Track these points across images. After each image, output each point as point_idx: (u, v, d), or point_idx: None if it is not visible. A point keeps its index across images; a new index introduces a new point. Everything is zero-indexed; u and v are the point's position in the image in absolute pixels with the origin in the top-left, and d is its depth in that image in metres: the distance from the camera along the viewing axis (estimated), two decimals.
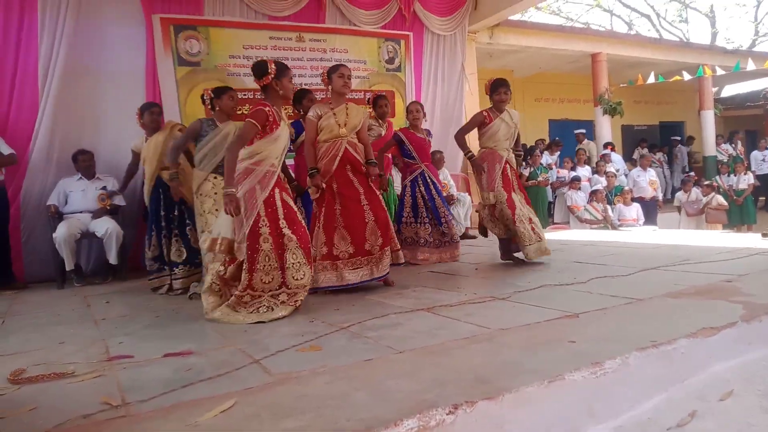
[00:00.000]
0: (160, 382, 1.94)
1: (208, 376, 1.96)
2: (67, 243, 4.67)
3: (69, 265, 4.72)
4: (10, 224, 4.98)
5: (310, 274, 3.12)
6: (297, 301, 3.04)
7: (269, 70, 3.15)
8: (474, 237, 6.91)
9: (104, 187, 5.13)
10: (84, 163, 5.06)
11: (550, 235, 6.96)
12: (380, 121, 5.01)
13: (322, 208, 3.65)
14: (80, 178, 5.08)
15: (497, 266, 4.38)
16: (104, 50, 5.49)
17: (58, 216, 4.90)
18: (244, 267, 3.03)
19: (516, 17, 9.85)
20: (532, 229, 4.24)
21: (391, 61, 7.15)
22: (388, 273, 3.71)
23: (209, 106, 4.03)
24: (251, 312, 2.94)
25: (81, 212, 4.95)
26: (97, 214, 4.95)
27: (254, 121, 3.06)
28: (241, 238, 3.05)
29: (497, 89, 4.32)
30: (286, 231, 3.07)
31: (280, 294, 3.01)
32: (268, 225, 3.04)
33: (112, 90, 5.49)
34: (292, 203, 3.23)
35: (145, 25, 5.62)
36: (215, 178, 3.86)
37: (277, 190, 3.13)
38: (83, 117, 5.39)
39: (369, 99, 5.28)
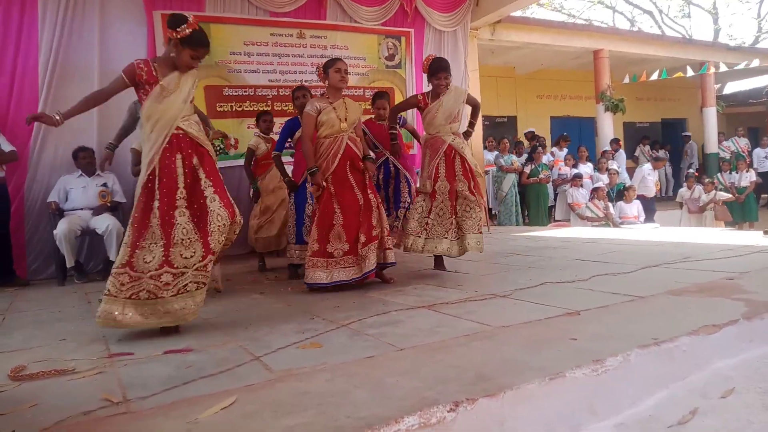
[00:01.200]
0: (160, 379, 1.94)
1: (209, 373, 1.96)
2: (68, 240, 4.68)
3: (70, 262, 4.73)
4: (14, 222, 4.99)
5: (202, 253, 2.64)
6: (188, 287, 2.61)
7: (180, 29, 2.69)
8: None
9: (105, 184, 5.14)
10: (84, 160, 5.07)
11: (552, 232, 6.97)
12: (379, 123, 4.97)
13: (321, 204, 3.63)
14: (81, 175, 5.09)
15: (498, 264, 4.38)
16: (105, 47, 5.50)
17: (58, 213, 4.91)
18: (125, 242, 2.64)
19: (518, 14, 9.84)
20: (456, 222, 3.95)
21: (391, 57, 7.14)
22: (374, 269, 3.62)
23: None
24: (127, 298, 2.53)
25: (81, 209, 4.96)
26: (97, 211, 4.96)
27: (122, 75, 2.76)
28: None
29: (436, 73, 3.93)
30: (181, 203, 2.66)
31: (162, 275, 2.58)
32: (159, 198, 2.64)
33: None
34: (203, 171, 2.75)
35: (146, 21, 5.62)
36: None
37: (179, 156, 2.71)
38: (84, 114, 5.37)
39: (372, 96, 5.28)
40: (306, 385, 1.76)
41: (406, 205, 4.80)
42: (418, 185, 4.44)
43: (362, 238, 3.58)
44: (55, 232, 4.72)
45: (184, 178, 2.70)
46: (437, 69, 3.94)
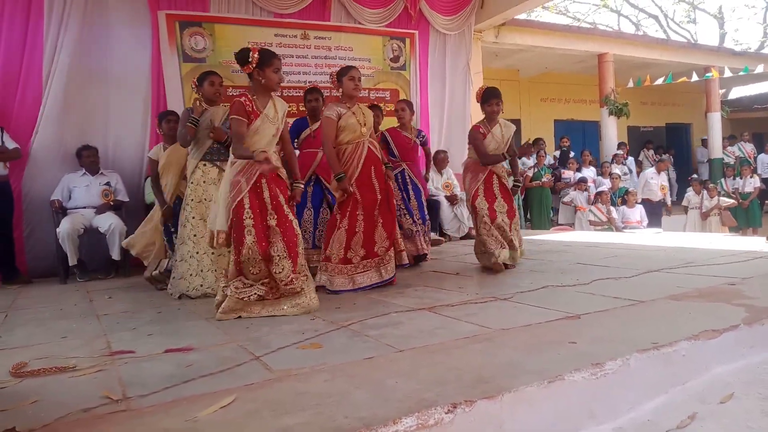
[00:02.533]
0: (161, 377, 1.95)
1: (209, 372, 1.97)
2: (71, 238, 4.70)
3: (72, 260, 4.75)
4: (14, 219, 5.00)
5: (290, 269, 3.00)
6: (295, 294, 3.01)
7: (250, 59, 3.00)
8: None
9: (108, 183, 5.16)
10: (88, 159, 5.10)
11: (554, 236, 6.97)
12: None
13: (347, 211, 3.61)
14: (84, 173, 5.11)
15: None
16: (109, 47, 5.53)
17: (61, 211, 4.93)
18: (230, 259, 3.03)
19: (522, 16, 9.85)
20: (503, 236, 4.14)
21: (395, 59, 7.15)
22: (395, 275, 3.70)
23: (197, 95, 3.95)
24: (246, 298, 2.93)
25: (84, 207, 4.99)
26: (100, 210, 4.98)
27: (237, 116, 2.99)
28: (224, 228, 3.00)
29: (488, 100, 4.16)
30: (272, 223, 3.00)
31: (269, 282, 2.99)
32: (252, 217, 2.96)
33: (117, 86, 5.53)
34: (282, 198, 3.08)
35: (150, 21, 5.64)
36: (204, 165, 3.77)
37: (264, 182, 3.01)
38: (88, 113, 5.43)
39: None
40: (305, 385, 1.77)
41: (402, 211, 4.81)
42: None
43: (385, 243, 3.65)
44: (58, 230, 4.73)
45: (270, 201, 3.02)
46: (489, 95, 4.16)
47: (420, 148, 5.19)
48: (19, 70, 5.14)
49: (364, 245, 3.61)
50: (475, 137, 4.19)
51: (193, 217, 3.72)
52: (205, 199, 3.72)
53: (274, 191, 3.04)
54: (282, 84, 6.25)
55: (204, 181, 3.76)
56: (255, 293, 2.95)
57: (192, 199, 3.75)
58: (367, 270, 3.62)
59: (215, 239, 3.05)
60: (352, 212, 3.61)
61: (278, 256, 2.97)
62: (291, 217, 3.09)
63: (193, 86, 3.99)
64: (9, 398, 1.81)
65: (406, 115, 4.89)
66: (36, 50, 5.18)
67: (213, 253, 3.68)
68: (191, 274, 3.69)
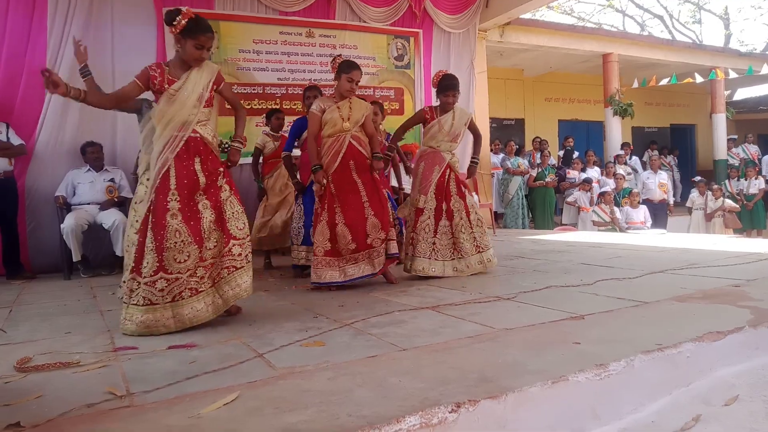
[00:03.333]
0: (164, 373, 1.95)
1: (212, 369, 1.97)
2: (75, 234, 4.71)
3: (76, 256, 4.77)
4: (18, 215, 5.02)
5: (224, 240, 2.73)
6: (221, 273, 2.71)
7: (175, 22, 2.66)
8: None
9: (112, 180, 5.17)
10: (92, 155, 5.11)
11: (557, 236, 6.95)
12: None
13: (324, 204, 3.64)
14: (88, 170, 5.12)
15: (503, 266, 4.37)
16: (114, 45, 5.55)
17: (66, 207, 4.94)
18: (149, 248, 2.62)
19: (527, 16, 9.83)
20: (453, 245, 3.96)
21: (400, 58, 7.15)
22: (384, 267, 3.69)
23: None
24: (169, 304, 2.57)
25: (89, 204, 4.99)
26: (104, 206, 4.99)
27: (135, 79, 2.73)
28: (142, 213, 2.72)
29: (445, 91, 4.00)
30: (201, 198, 2.71)
31: (197, 269, 2.65)
32: (178, 199, 2.65)
33: (121, 83, 5.49)
34: (207, 173, 2.76)
35: (155, 19, 5.64)
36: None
37: (197, 160, 2.73)
38: (92, 110, 5.37)
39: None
40: (308, 383, 1.77)
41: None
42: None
43: (381, 235, 3.62)
44: (62, 226, 4.75)
45: (204, 178, 2.73)
46: (447, 87, 4.02)
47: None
48: (23, 66, 5.15)
49: (354, 238, 3.59)
50: (417, 114, 4.20)
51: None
52: None
53: (207, 173, 2.76)
54: (287, 82, 6.37)
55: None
56: (186, 287, 2.62)
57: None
58: (359, 262, 3.61)
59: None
60: (329, 205, 3.62)
61: (210, 230, 2.70)
62: (224, 195, 2.78)
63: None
64: (13, 393, 1.81)
65: (378, 118, 4.76)
66: (39, 47, 5.19)
67: None
68: None
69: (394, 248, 3.73)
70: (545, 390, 1.63)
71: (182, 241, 2.62)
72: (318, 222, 3.64)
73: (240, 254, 2.78)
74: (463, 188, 4.10)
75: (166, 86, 2.73)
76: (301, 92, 5.70)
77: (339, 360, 2.01)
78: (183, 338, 2.47)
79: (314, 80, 6.11)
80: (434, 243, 3.94)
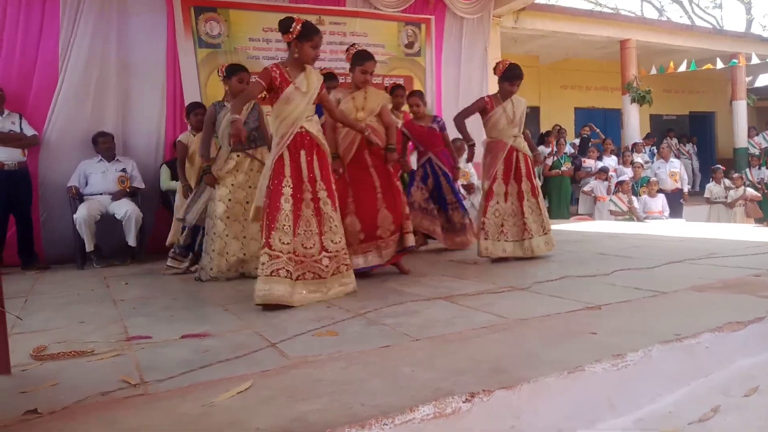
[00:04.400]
0: (177, 362, 1.96)
1: (225, 358, 1.97)
2: (87, 224, 4.75)
3: (89, 247, 4.81)
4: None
5: (319, 248, 3.00)
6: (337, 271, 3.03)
7: (291, 29, 2.99)
8: None
9: (124, 170, 5.20)
10: (104, 145, 5.14)
11: (573, 226, 6.88)
12: (395, 111, 4.93)
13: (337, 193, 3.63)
14: (100, 160, 5.16)
15: (516, 257, 4.32)
16: (124, 35, 5.54)
17: (78, 197, 4.98)
18: (263, 225, 2.93)
19: (542, 1, 9.67)
20: (523, 223, 4.05)
21: (410, 45, 7.07)
22: (393, 258, 3.66)
23: (223, 83, 4.09)
24: (270, 276, 2.78)
25: (101, 194, 5.03)
26: (116, 196, 5.03)
27: (259, 79, 3.02)
28: (261, 195, 3.01)
29: (513, 80, 4.07)
30: (307, 196, 2.98)
31: (292, 257, 2.89)
32: (291, 186, 2.93)
33: (132, 73, 5.55)
34: (318, 172, 3.06)
35: (165, 6, 5.64)
36: (238, 156, 3.89)
37: (303, 152, 3.00)
38: (104, 100, 5.46)
39: (387, 87, 5.23)
40: (321, 372, 1.76)
41: (453, 204, 4.83)
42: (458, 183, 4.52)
43: (391, 227, 3.61)
44: (75, 216, 4.79)
45: (307, 173, 2.99)
46: (516, 75, 4.08)
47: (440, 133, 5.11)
48: (36, 57, 5.18)
49: (363, 229, 3.58)
50: (476, 102, 4.22)
51: (230, 200, 3.86)
52: (239, 188, 3.90)
53: (311, 164, 3.03)
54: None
55: (237, 170, 3.90)
56: (283, 267, 2.82)
57: (229, 184, 3.88)
58: (367, 253, 3.59)
59: (261, 212, 3.02)
60: (342, 194, 3.58)
61: (309, 231, 2.97)
62: (325, 209, 3.05)
63: (220, 75, 4.10)
64: (30, 381, 1.84)
65: (421, 108, 4.88)
66: (52, 37, 5.20)
67: (245, 237, 3.87)
68: (219, 254, 3.82)
69: (410, 241, 3.72)
70: (561, 380, 1.61)
71: (289, 225, 2.88)
72: (346, 214, 3.59)
73: (327, 266, 3.01)
74: (533, 170, 4.19)
75: (284, 85, 3.00)
76: None
77: (352, 350, 2.01)
78: (196, 327, 2.48)
79: (324, 68, 6.07)
80: (502, 225, 4.04)
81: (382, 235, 3.61)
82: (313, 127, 3.08)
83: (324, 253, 3.01)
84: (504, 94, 4.14)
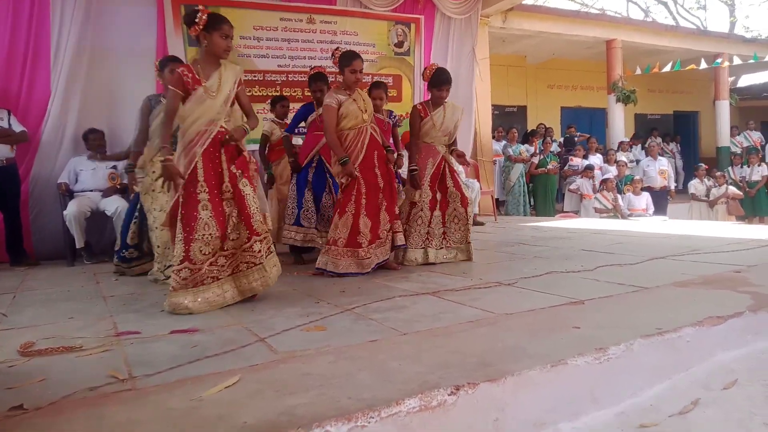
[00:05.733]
0: (166, 357, 1.96)
1: (214, 353, 1.98)
2: (78, 221, 4.73)
3: (79, 243, 4.78)
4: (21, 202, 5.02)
5: (246, 235, 2.88)
6: (240, 267, 2.86)
7: (197, 20, 2.77)
8: (482, 224, 6.90)
9: (114, 167, 5.17)
10: (94, 142, 5.11)
11: (559, 223, 6.95)
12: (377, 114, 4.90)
13: (352, 196, 3.62)
14: (90, 156, 5.11)
15: (504, 253, 4.37)
16: (116, 30, 5.50)
17: (68, 194, 4.95)
18: (178, 238, 2.76)
19: (530, 1, 9.76)
20: (443, 234, 4.01)
21: (400, 44, 7.09)
22: (388, 257, 3.76)
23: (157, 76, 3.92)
24: (191, 289, 2.70)
25: (91, 191, 5.00)
26: (107, 193, 5.00)
27: (173, 88, 2.80)
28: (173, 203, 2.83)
29: (440, 86, 3.96)
30: (227, 196, 2.85)
31: (218, 258, 2.80)
32: (207, 190, 2.77)
33: (123, 69, 5.50)
34: (247, 167, 2.96)
35: (156, 3, 5.60)
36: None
37: (223, 150, 2.85)
38: (95, 96, 5.42)
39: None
40: (309, 366, 1.78)
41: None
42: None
43: (387, 226, 3.70)
44: (65, 213, 4.76)
45: (227, 170, 2.86)
46: (443, 81, 3.98)
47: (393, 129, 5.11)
48: (27, 51, 5.12)
49: (371, 229, 3.64)
50: (413, 115, 4.08)
51: (155, 209, 3.75)
52: (161, 192, 3.64)
53: (229, 163, 2.89)
54: (287, 69, 6.34)
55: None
56: (207, 275, 2.76)
57: (155, 190, 3.72)
58: (370, 252, 3.65)
59: (166, 220, 2.90)
60: (357, 197, 3.62)
61: (233, 224, 2.85)
62: (246, 190, 2.91)
63: (156, 69, 3.96)
64: (17, 377, 1.83)
65: (383, 102, 4.75)
66: (43, 34, 5.14)
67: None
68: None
69: (400, 240, 3.79)
70: (544, 373, 1.64)
71: (210, 234, 2.76)
72: (343, 213, 3.62)
73: (260, 251, 2.89)
74: (459, 180, 4.12)
75: (196, 86, 2.82)
76: (301, 79, 5.68)
77: (340, 344, 2.02)
78: (185, 323, 2.48)
79: (315, 67, 6.07)
80: (428, 233, 3.97)
81: (381, 235, 3.69)
82: (231, 126, 2.92)
83: (255, 238, 2.88)
84: (435, 101, 4.05)
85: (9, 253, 4.90)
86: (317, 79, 4.49)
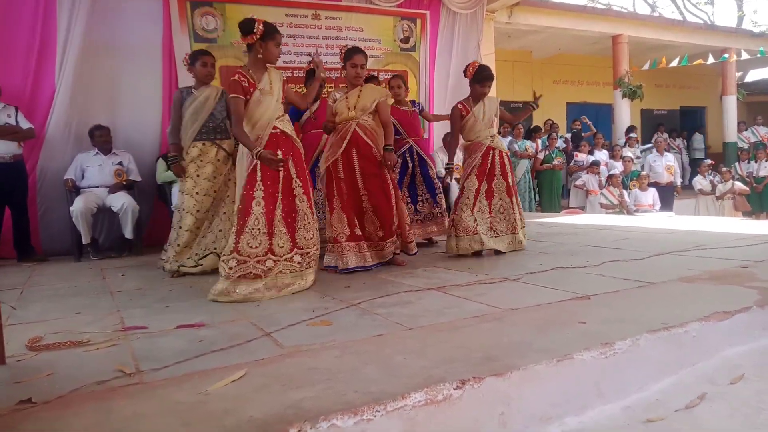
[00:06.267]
0: (173, 352, 1.97)
1: (220, 348, 1.99)
2: (84, 217, 4.75)
3: (86, 239, 4.81)
4: (28, 198, 5.05)
5: (289, 246, 3.05)
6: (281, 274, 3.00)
7: (255, 30, 3.01)
8: None
9: (120, 163, 5.19)
10: (100, 139, 5.12)
11: (564, 219, 6.93)
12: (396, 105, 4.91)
13: (334, 191, 3.65)
14: (97, 153, 5.14)
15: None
16: (122, 26, 5.49)
17: (75, 190, 4.97)
18: (232, 229, 3.00)
19: None
20: (491, 225, 4.04)
21: (406, 40, 7.07)
22: (387, 260, 3.71)
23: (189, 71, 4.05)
24: (236, 280, 2.86)
25: (97, 187, 5.02)
26: (113, 189, 5.02)
27: (235, 95, 3.02)
28: (238, 200, 3.06)
29: (483, 82, 4.05)
30: (281, 194, 3.03)
31: (266, 260, 2.94)
32: (263, 189, 2.98)
33: (129, 66, 5.51)
34: (295, 170, 3.12)
35: (162, 0, 5.61)
36: (203, 144, 3.84)
37: (279, 153, 3.02)
38: (101, 92, 5.43)
39: (384, 81, 5.23)
40: (315, 360, 1.78)
41: (423, 195, 4.83)
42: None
43: (379, 233, 3.66)
44: (71, 209, 4.78)
45: (283, 172, 3.02)
46: (486, 77, 4.07)
47: (420, 117, 5.11)
48: (30, 51, 5.12)
49: (349, 225, 3.62)
50: (454, 115, 4.14)
51: (197, 192, 3.80)
52: (206, 179, 3.82)
53: (287, 163, 3.07)
54: (292, 65, 6.33)
55: (201, 160, 3.83)
56: (251, 271, 2.89)
57: (194, 175, 3.80)
58: (352, 252, 3.61)
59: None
60: (339, 191, 3.63)
61: (281, 232, 3.02)
62: (302, 206, 3.11)
63: (185, 63, 4.06)
64: (25, 371, 1.85)
65: (402, 91, 4.85)
66: (49, 30, 5.14)
67: (220, 231, 3.83)
68: (184, 247, 3.79)
69: (411, 249, 3.86)
70: (550, 368, 1.64)
71: (258, 229, 2.93)
72: (332, 210, 3.64)
73: (300, 263, 3.05)
74: (508, 169, 4.15)
75: (251, 89, 3.04)
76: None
77: (345, 339, 2.03)
78: (191, 318, 2.50)
79: (309, 62, 6.05)
80: (475, 220, 3.97)
81: (370, 238, 3.68)
82: (287, 126, 3.15)
83: (296, 251, 3.06)
84: (476, 96, 4.12)
85: (16, 248, 4.93)
86: (311, 73, 4.55)
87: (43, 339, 2.22)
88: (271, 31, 3.06)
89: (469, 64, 4.17)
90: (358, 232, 3.61)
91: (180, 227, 3.82)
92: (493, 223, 4.06)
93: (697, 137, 13.57)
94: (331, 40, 6.45)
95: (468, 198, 4.00)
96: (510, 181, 4.13)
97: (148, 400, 1.54)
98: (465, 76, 4.17)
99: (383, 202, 3.65)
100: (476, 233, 3.92)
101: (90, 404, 1.53)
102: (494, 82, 4.16)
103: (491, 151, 4.09)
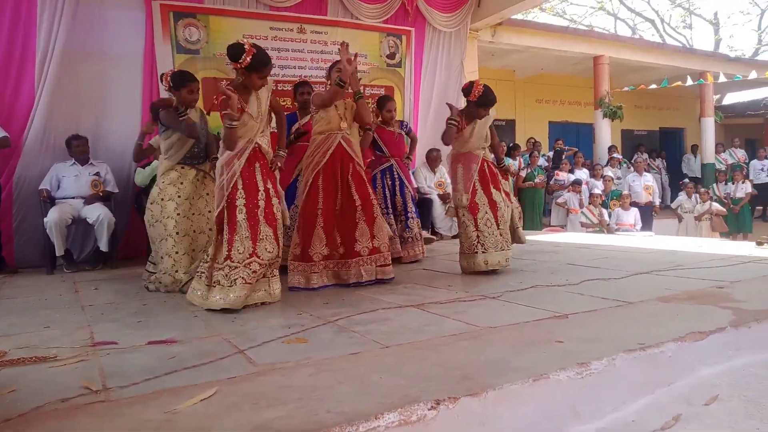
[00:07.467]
0: (142, 368, 1.92)
1: (192, 365, 1.94)
2: (58, 228, 4.64)
3: (59, 251, 4.69)
4: (1, 208, 4.94)
5: (278, 252, 3.11)
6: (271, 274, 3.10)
7: (241, 60, 2.99)
8: None
9: (97, 173, 5.11)
10: (78, 149, 5.04)
11: (545, 237, 6.97)
12: (384, 125, 4.90)
13: (306, 205, 3.59)
14: (73, 163, 5.05)
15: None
16: (103, 35, 5.45)
17: (50, 201, 4.87)
18: (224, 238, 3.02)
19: (519, 17, 9.83)
20: (500, 235, 3.94)
21: (392, 56, 7.12)
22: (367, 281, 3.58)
23: (167, 90, 3.82)
24: (228, 287, 2.89)
25: (73, 198, 4.92)
26: (89, 200, 4.93)
27: (232, 122, 3.01)
28: (219, 210, 3.07)
29: (485, 106, 3.93)
30: (261, 204, 3.07)
31: (251, 263, 2.96)
32: (245, 197, 3.02)
33: (110, 75, 5.46)
34: (270, 182, 3.16)
35: (144, 8, 5.58)
36: (182, 168, 3.70)
37: (257, 165, 3.11)
38: (81, 102, 5.36)
39: (373, 98, 5.27)
40: (288, 379, 1.75)
41: (399, 216, 4.78)
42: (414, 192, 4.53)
43: (359, 248, 3.53)
44: (45, 219, 4.68)
45: (263, 184, 3.11)
46: (490, 102, 3.94)
47: (406, 137, 5.14)
48: (10, 58, 5.05)
49: (328, 244, 3.55)
50: (450, 130, 3.99)
51: (178, 214, 3.61)
52: (186, 199, 3.67)
53: (264, 176, 3.14)
54: (277, 78, 6.33)
55: (181, 183, 3.69)
56: (240, 276, 2.92)
57: (163, 198, 3.64)
58: (331, 270, 3.58)
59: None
60: (314, 206, 3.56)
61: (265, 236, 3.03)
62: (274, 201, 3.16)
63: (165, 83, 3.77)
64: None
65: (394, 114, 4.90)
66: (29, 38, 5.08)
67: (194, 251, 3.68)
68: (164, 273, 3.61)
69: (390, 273, 3.65)
70: (526, 388, 1.63)
71: (243, 234, 2.98)
72: (314, 226, 3.54)
73: (255, 272, 2.98)
74: (499, 177, 4.12)
75: (240, 114, 3.04)
76: (290, 89, 5.68)
77: (321, 356, 2.00)
78: (163, 333, 2.44)
79: (305, 76, 6.07)
80: (500, 234, 3.90)
81: (340, 254, 3.59)
82: (264, 141, 3.21)
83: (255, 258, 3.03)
84: (471, 116, 4.00)
85: None
86: (302, 84, 4.59)
87: (8, 354, 2.15)
88: (257, 66, 3.03)
89: (473, 83, 3.96)
90: (310, 252, 3.52)
91: (164, 251, 3.62)
92: (503, 234, 3.94)
93: (689, 157, 13.70)
94: (316, 54, 6.48)
95: (487, 213, 3.91)
96: (507, 187, 4.13)
97: (114, 419, 1.49)
98: (465, 95, 4.03)
99: (374, 216, 3.60)
100: (503, 249, 3.89)
101: (53, 422, 1.48)
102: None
103: (486, 164, 4.04)
